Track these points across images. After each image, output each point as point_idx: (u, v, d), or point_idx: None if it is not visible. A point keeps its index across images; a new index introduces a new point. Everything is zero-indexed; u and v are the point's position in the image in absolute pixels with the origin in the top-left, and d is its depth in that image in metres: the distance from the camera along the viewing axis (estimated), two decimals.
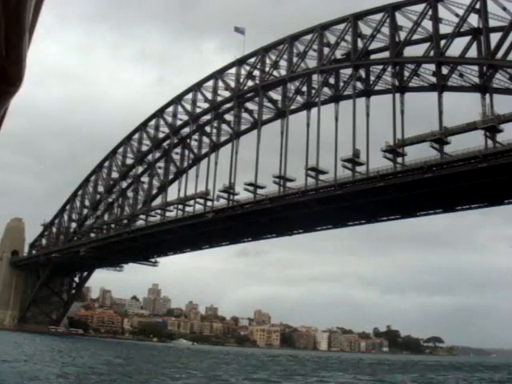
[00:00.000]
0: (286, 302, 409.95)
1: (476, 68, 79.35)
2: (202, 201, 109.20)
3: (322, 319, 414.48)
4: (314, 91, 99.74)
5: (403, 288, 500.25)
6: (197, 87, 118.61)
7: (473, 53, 79.31)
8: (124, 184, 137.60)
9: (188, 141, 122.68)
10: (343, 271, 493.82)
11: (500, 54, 74.82)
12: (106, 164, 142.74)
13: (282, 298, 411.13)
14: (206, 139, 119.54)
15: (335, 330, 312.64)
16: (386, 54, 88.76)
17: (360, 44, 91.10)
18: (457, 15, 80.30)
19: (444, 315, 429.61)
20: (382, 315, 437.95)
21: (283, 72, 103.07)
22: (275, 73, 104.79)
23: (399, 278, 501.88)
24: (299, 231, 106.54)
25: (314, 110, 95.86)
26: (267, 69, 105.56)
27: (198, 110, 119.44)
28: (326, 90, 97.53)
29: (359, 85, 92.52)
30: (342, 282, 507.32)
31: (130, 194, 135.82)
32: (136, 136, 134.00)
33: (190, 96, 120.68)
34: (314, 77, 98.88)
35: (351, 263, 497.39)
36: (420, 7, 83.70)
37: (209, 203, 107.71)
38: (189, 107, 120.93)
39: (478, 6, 78.00)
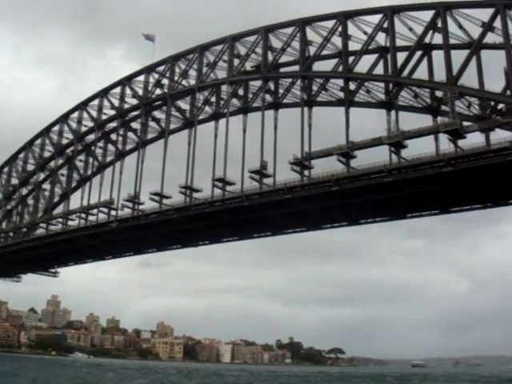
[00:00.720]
0: (190, 314, 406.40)
1: (382, 85, 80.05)
2: (105, 210, 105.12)
3: (226, 331, 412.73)
4: (222, 102, 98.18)
5: (306, 300, 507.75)
6: (103, 93, 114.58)
7: (380, 70, 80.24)
8: (24, 191, 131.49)
9: (93, 148, 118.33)
10: (248, 283, 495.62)
11: (406, 73, 75.81)
12: (6, 170, 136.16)
13: (186, 310, 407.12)
14: (111, 147, 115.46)
15: (239, 342, 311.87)
16: (295, 68, 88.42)
17: (270, 57, 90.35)
18: (365, 33, 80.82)
19: (345, 327, 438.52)
20: (285, 327, 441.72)
21: (192, 81, 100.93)
22: (184, 82, 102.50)
23: (302, 291, 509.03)
24: (205, 242, 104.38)
25: (223, 121, 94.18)
26: (176, 78, 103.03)
27: (104, 117, 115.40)
28: (234, 101, 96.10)
29: (268, 97, 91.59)
30: (247, 294, 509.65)
31: (30, 201, 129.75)
32: (38, 141, 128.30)
33: (95, 102, 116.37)
34: (223, 87, 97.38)
35: (256, 275, 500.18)
36: (330, 23, 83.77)
37: (113, 212, 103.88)
38: (94, 113, 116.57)
39: (385, 25, 78.85)
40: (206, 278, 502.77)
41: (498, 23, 70.18)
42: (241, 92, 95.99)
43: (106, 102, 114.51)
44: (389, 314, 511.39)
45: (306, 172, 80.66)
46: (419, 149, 72.44)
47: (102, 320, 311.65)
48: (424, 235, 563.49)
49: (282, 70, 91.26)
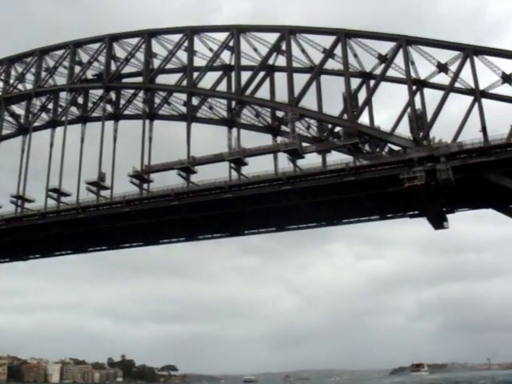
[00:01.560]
0: (15, 333, 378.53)
1: (225, 102, 78.96)
2: None
3: (55, 350, 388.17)
4: (60, 109, 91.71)
5: (139, 317, 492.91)
6: None
7: (223, 87, 79.22)
8: None
9: None
10: (78, 300, 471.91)
11: (248, 91, 75.35)
12: None
13: (10, 327, 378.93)
14: None
15: (68, 361, 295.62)
16: (138, 79, 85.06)
17: (113, 66, 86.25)
18: (211, 50, 79.77)
19: (179, 343, 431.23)
20: (117, 345, 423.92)
21: (29, 86, 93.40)
22: (20, 86, 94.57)
23: (135, 307, 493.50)
24: (36, 256, 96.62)
25: (60, 129, 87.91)
26: (12, 81, 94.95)
27: None
28: (73, 109, 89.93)
29: (109, 107, 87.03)
30: (77, 311, 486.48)
31: None
32: None
33: None
34: (62, 94, 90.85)
35: (87, 291, 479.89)
36: (176, 37, 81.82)
37: None
38: None
39: (231, 44, 78.31)
40: (33, 293, 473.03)
41: (338, 51, 72.10)
42: (80, 100, 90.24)
43: None
44: (221, 330, 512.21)
45: (146, 185, 77.54)
46: (259, 167, 72.35)
47: None
48: (256, 252, 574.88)
49: (125, 80, 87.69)
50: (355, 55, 72.76)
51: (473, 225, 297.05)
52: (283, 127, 74.10)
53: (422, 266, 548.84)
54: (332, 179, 65.86)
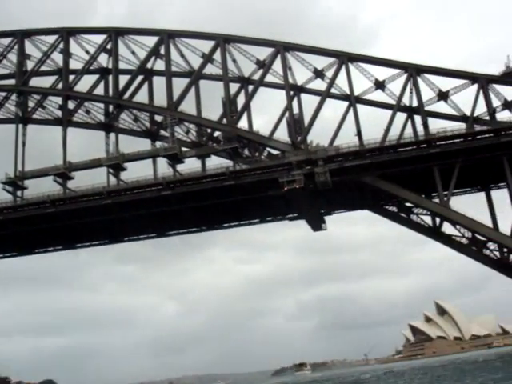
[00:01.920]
0: None
1: (103, 106, 75.91)
2: None
3: None
4: None
5: (11, 331, 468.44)
6: None
7: (101, 91, 76.15)
8: None
9: None
10: None
11: (127, 95, 72.92)
12: None
13: None
14: None
15: None
16: (11, 82, 79.95)
17: None
18: (87, 52, 76.62)
19: (57, 357, 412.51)
20: None
21: None
22: None
23: (5, 321, 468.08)
24: None
25: None
26: None
27: None
28: None
29: None
30: None
31: None
32: None
33: None
34: None
35: None
36: (51, 38, 77.88)
37: None
38: None
39: (109, 47, 75.62)
40: None
41: (217, 56, 71.35)
42: None
43: None
44: (102, 341, 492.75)
45: (20, 192, 73.19)
46: (138, 172, 70.34)
47: None
48: (136, 260, 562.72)
49: None
50: (234, 60, 72.18)
51: (349, 226, 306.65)
52: (162, 132, 72.28)
53: (300, 268, 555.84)
54: (212, 184, 64.86)
